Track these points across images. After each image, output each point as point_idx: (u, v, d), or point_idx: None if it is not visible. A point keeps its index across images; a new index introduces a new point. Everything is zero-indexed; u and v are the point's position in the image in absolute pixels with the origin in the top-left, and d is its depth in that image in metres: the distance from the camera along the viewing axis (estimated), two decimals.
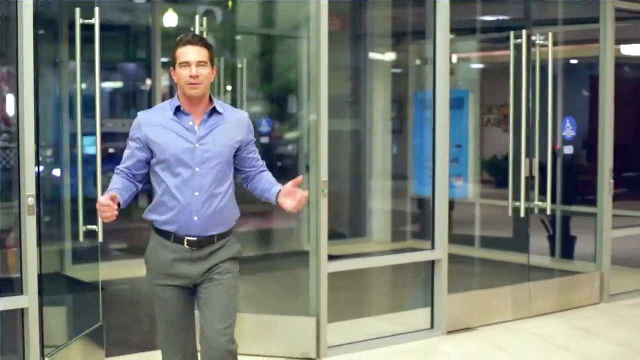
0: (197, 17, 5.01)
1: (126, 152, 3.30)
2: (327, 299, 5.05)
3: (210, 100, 3.31)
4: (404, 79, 9.28)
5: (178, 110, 3.25)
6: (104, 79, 7.45)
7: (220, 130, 3.26)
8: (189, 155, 3.20)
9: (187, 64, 3.19)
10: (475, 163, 8.60)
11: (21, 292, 4.13)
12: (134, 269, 6.76)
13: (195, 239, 3.22)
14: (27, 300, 4.10)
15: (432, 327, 5.67)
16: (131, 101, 12.66)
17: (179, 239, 3.23)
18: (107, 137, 9.40)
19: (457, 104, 8.54)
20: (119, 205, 3.13)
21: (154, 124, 3.24)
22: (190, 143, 3.21)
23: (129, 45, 11.64)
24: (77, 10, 4.45)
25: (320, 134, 5.11)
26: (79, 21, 4.45)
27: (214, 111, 3.28)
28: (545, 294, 6.29)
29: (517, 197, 6.13)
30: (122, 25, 10.75)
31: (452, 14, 5.75)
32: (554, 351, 5.27)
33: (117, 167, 3.31)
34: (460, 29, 8.24)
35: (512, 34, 6.11)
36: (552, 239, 7.60)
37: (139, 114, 3.33)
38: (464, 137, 8.42)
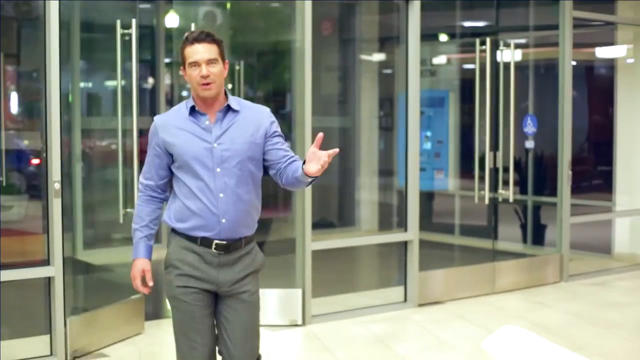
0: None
1: (146, 160, 3.22)
2: (311, 273, 5.81)
3: (226, 96, 3.19)
4: (390, 79, 9.93)
5: (193, 110, 3.14)
6: (107, 77, 7.99)
7: (237, 128, 3.13)
8: (207, 155, 3.07)
9: (196, 64, 3.06)
10: (456, 157, 9.32)
11: (48, 264, 4.89)
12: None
13: (224, 242, 3.10)
14: (54, 269, 4.85)
15: (405, 300, 6.42)
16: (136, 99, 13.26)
17: (206, 243, 3.11)
18: (109, 133, 10.06)
19: (439, 102, 9.31)
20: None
21: (170, 126, 3.14)
22: (208, 143, 3.09)
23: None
24: (118, 22, 5.31)
25: (304, 129, 5.81)
26: (119, 31, 5.29)
27: (229, 109, 3.15)
28: (509, 272, 7.04)
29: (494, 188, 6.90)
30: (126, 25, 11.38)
31: (435, 21, 6.44)
32: (509, 320, 6.00)
33: (140, 181, 3.25)
34: (440, 34, 9.01)
35: (477, 40, 6.85)
36: (524, 227, 8.36)
37: (155, 118, 3.23)
38: (444, 134, 9.13)
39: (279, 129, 3.22)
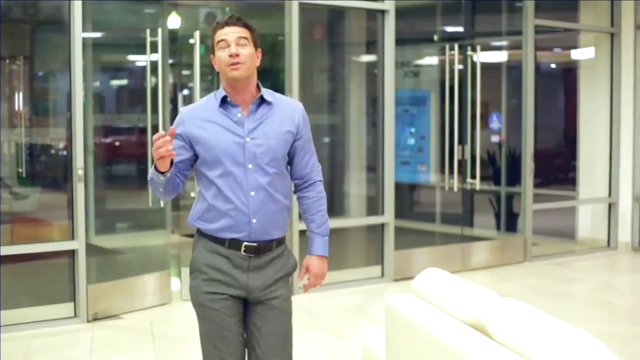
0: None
1: None
2: (298, 252, 6.65)
3: (258, 88, 2.96)
4: (377, 80, 10.76)
5: (224, 102, 2.91)
6: (112, 77, 8.73)
7: (270, 122, 2.92)
8: (238, 150, 2.86)
9: (225, 43, 2.86)
10: (437, 152, 10.16)
11: (72, 238, 5.74)
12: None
13: (254, 244, 2.90)
14: (77, 243, 5.70)
15: (382, 275, 7.27)
16: (139, 97, 14.11)
17: (234, 245, 2.90)
18: (114, 130, 10.85)
19: (421, 101, 10.17)
20: (171, 163, 2.82)
21: (197, 119, 2.91)
22: (240, 137, 2.87)
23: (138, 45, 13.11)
24: (147, 31, 6.17)
25: None
26: (148, 39, 6.14)
27: (262, 100, 2.93)
28: (477, 253, 7.90)
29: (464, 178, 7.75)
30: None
31: (419, 26, 7.21)
32: None
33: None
34: (422, 39, 9.87)
35: (447, 46, 7.71)
36: (497, 215, 9.21)
37: (182, 109, 3.02)
38: (426, 130, 9.97)
39: (309, 131, 3.04)
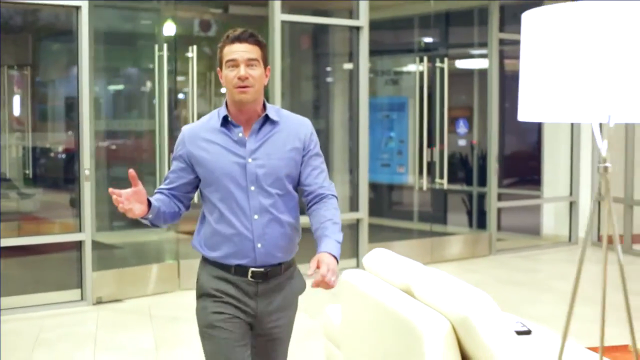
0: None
1: (169, 173, 2.92)
2: None
3: (264, 106, 2.84)
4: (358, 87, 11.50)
5: (226, 121, 2.81)
6: (111, 82, 9.38)
7: (274, 141, 2.81)
8: (240, 172, 2.77)
9: (234, 63, 2.73)
10: (414, 154, 10.92)
11: (80, 230, 6.49)
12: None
13: (261, 269, 2.81)
14: (84, 235, 6.45)
15: (357, 266, 8.03)
16: (134, 102, 14.79)
17: (241, 271, 2.81)
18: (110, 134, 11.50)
19: (400, 107, 10.93)
20: (149, 203, 2.74)
21: (198, 139, 2.81)
22: (241, 158, 2.78)
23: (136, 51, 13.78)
24: (156, 46, 6.91)
25: None
26: (161, 53, 6.91)
27: (267, 119, 2.82)
28: (446, 247, 8.66)
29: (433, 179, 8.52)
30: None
31: (400, 37, 7.87)
32: None
33: (160, 188, 2.92)
34: (401, 50, 10.64)
35: (417, 58, 8.48)
36: (469, 213, 9.99)
37: (183, 128, 2.91)
38: (405, 134, 10.72)
39: (318, 147, 2.94)
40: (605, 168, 2.63)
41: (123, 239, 9.34)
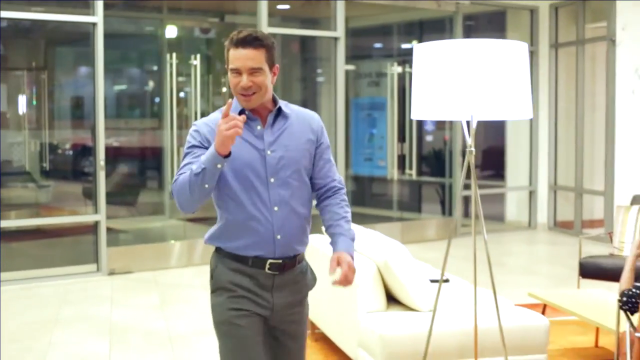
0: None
1: (188, 160, 2.77)
2: None
3: (274, 100, 2.85)
4: (347, 87, 12.63)
5: (242, 114, 2.76)
6: (113, 82, 10.41)
7: (289, 134, 2.83)
8: (259, 164, 2.77)
9: (237, 72, 2.72)
10: (393, 149, 12.09)
11: (96, 212, 7.67)
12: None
13: (279, 261, 2.80)
14: (100, 216, 7.63)
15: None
16: (137, 101, 15.81)
17: (258, 263, 2.79)
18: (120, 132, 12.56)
19: (381, 107, 12.08)
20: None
21: (215, 131, 2.68)
22: (260, 150, 2.78)
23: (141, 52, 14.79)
24: (168, 55, 8.00)
25: None
26: (168, 60, 8.00)
27: (279, 112, 2.84)
28: (414, 230, 9.84)
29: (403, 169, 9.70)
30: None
31: (382, 42, 8.98)
32: None
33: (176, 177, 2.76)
34: (381, 55, 11.81)
35: (395, 62, 9.65)
36: (442, 202, 11.16)
37: (196, 122, 2.86)
38: (384, 131, 11.87)
39: (327, 139, 2.96)
40: (471, 152, 3.81)
41: (128, 225, 10.55)
